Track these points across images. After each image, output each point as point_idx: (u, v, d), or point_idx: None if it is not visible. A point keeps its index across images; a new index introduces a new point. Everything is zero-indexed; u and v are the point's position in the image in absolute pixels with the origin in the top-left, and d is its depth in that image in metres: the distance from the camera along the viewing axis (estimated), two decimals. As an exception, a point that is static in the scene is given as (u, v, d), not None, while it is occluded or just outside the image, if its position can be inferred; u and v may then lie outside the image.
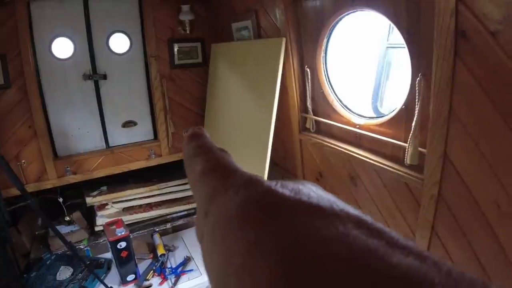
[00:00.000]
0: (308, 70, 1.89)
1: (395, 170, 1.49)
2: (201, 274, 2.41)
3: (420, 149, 1.36)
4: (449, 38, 1.09)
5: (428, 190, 1.37)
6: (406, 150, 1.38)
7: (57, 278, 2.31)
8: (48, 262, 2.45)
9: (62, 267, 2.41)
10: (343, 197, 1.93)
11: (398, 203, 1.58)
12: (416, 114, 1.31)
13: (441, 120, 1.21)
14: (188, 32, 2.58)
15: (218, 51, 2.52)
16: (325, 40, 1.78)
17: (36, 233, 2.65)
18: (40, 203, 2.50)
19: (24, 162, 2.29)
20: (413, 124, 1.33)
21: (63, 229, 2.59)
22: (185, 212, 2.97)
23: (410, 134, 1.35)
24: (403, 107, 1.43)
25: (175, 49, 2.60)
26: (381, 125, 1.58)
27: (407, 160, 1.39)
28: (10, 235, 2.12)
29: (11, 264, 2.20)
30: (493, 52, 1.00)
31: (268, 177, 2.01)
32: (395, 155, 1.54)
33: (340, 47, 1.82)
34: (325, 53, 1.82)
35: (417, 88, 1.28)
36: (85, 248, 2.60)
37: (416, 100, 1.30)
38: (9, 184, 1.99)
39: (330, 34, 1.77)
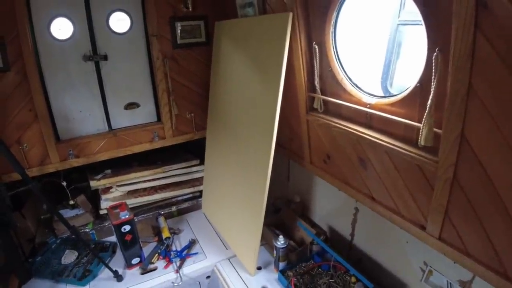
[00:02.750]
0: (316, 46, 1.80)
1: (407, 152, 1.43)
2: (206, 257, 2.40)
3: (435, 129, 1.29)
4: (470, 9, 1.02)
5: (442, 172, 1.31)
6: (420, 130, 1.31)
7: (62, 262, 2.32)
8: (53, 246, 2.46)
9: (67, 251, 2.42)
10: (352, 180, 1.87)
11: (410, 186, 1.52)
12: (432, 92, 1.24)
13: (459, 98, 1.14)
14: (190, 9, 2.48)
15: (222, 29, 2.44)
16: (334, 15, 1.69)
17: (42, 217, 2.65)
18: (44, 187, 2.48)
19: (26, 146, 2.25)
20: (429, 102, 1.26)
21: (68, 213, 2.59)
22: (190, 195, 2.96)
23: (425, 114, 1.28)
24: (418, 85, 1.36)
25: (178, 28, 2.51)
26: (393, 104, 1.51)
27: (421, 141, 1.31)
28: (13, 219, 2.11)
29: (15, 248, 2.19)
30: (517, 25, 0.93)
31: (274, 160, 1.95)
32: (408, 136, 1.47)
33: (350, 23, 1.73)
34: (335, 28, 1.73)
35: (433, 64, 1.20)
36: (90, 232, 2.60)
37: (433, 77, 1.22)
38: (12, 168, 1.95)
39: (340, 8, 1.68)
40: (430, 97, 1.24)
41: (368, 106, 1.64)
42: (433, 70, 1.21)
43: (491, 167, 1.16)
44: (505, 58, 1.00)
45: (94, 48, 2.38)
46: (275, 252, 2.18)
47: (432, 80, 1.22)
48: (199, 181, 2.92)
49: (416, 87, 1.37)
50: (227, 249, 2.47)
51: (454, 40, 1.09)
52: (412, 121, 1.41)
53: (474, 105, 1.12)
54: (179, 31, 2.53)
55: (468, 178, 1.25)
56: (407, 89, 1.43)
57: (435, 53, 1.18)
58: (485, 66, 1.05)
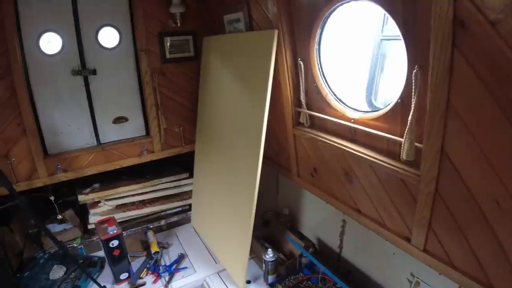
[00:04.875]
0: (301, 62, 1.83)
1: (391, 166, 1.45)
2: (195, 272, 2.39)
3: (416, 144, 1.32)
4: (447, 28, 1.05)
5: (424, 186, 1.33)
6: (402, 145, 1.34)
7: (50, 278, 2.29)
8: (41, 261, 2.43)
9: (55, 266, 2.38)
10: (338, 193, 1.89)
11: (394, 199, 1.54)
12: (412, 108, 1.27)
13: (439, 114, 1.17)
14: (179, 25, 2.51)
15: (210, 44, 2.47)
16: (318, 32, 1.73)
17: (29, 231, 2.62)
18: (32, 202, 2.46)
19: (14, 161, 2.24)
20: (409, 118, 1.29)
21: (56, 228, 2.57)
22: (180, 209, 2.95)
23: (406, 129, 1.31)
24: (399, 100, 1.39)
25: (167, 43, 2.54)
26: (376, 119, 1.54)
27: (403, 156, 1.34)
28: (0, 234, 2.09)
29: (3, 263, 2.17)
30: (493, 43, 0.96)
31: (263, 173, 1.97)
32: (391, 150, 1.50)
33: (333, 39, 1.77)
34: (319, 45, 1.77)
35: (413, 81, 1.23)
36: (78, 247, 2.57)
37: (413, 93, 1.25)
38: (-1, 183, 1.94)
39: (324, 25, 1.71)
40: (411, 112, 1.28)
41: (352, 120, 1.67)
42: (413, 87, 1.24)
43: (472, 181, 1.18)
44: (482, 75, 1.02)
45: (83, 62, 2.39)
46: (264, 265, 2.18)
47: (413, 96, 1.25)
48: (188, 194, 2.92)
49: (397, 102, 1.40)
50: (216, 263, 2.46)
51: (433, 58, 1.12)
52: (394, 135, 1.44)
53: (453, 121, 1.15)
54: (168, 46, 2.55)
55: (449, 191, 1.27)
56: (389, 104, 1.46)
57: (415, 70, 1.22)
58: (463, 83, 1.08)
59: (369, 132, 1.56)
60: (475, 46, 1.02)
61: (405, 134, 1.32)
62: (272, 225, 2.66)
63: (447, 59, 1.08)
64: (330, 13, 1.66)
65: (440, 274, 1.46)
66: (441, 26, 1.06)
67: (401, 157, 1.36)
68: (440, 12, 1.05)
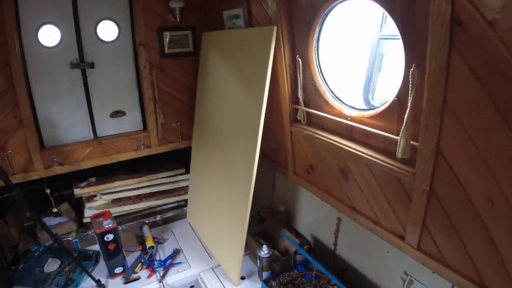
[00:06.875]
0: (300, 60, 1.84)
1: (386, 164, 1.46)
2: (190, 267, 2.39)
3: (412, 142, 1.32)
4: (445, 26, 1.05)
5: (419, 184, 1.34)
6: (398, 143, 1.35)
7: (45, 271, 2.29)
8: (36, 254, 2.42)
9: (49, 259, 2.38)
10: (334, 190, 1.90)
11: (389, 197, 1.55)
12: (408, 106, 1.28)
13: (435, 112, 1.18)
14: (178, 20, 2.51)
15: (209, 40, 2.47)
16: (317, 29, 1.73)
17: (24, 225, 2.61)
18: (27, 195, 2.45)
19: (10, 153, 2.24)
20: (406, 116, 1.29)
21: (51, 221, 2.56)
22: (175, 204, 2.95)
23: (402, 127, 1.31)
24: (396, 99, 1.40)
25: (166, 38, 2.53)
26: (373, 117, 1.55)
27: (399, 154, 1.35)
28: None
29: (-3, 256, 2.17)
30: (490, 42, 0.97)
31: (259, 169, 1.97)
32: (387, 148, 1.51)
33: (332, 37, 1.77)
34: (317, 42, 1.77)
35: (410, 79, 1.24)
36: (73, 240, 2.57)
37: (409, 91, 1.26)
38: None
39: (323, 23, 1.72)
40: (407, 111, 1.28)
41: (349, 118, 1.67)
42: (410, 85, 1.25)
43: (466, 179, 1.19)
44: (479, 74, 1.03)
45: (81, 55, 2.38)
46: (258, 261, 2.19)
47: (409, 94, 1.26)
48: (185, 190, 2.92)
49: (394, 101, 1.41)
50: (211, 258, 2.47)
51: (430, 57, 1.13)
52: (391, 133, 1.44)
53: (449, 119, 1.16)
54: (167, 41, 2.55)
55: (444, 190, 1.28)
56: (386, 102, 1.47)
57: (412, 69, 1.22)
58: (459, 82, 1.09)
59: (365, 130, 1.56)
60: (472, 45, 1.02)
61: (401, 132, 1.32)
62: (268, 222, 2.66)
63: (444, 58, 1.09)
64: (329, 11, 1.66)
65: (433, 272, 1.46)
66: (438, 25, 1.07)
67: (396, 155, 1.37)
68: (438, 10, 1.05)
